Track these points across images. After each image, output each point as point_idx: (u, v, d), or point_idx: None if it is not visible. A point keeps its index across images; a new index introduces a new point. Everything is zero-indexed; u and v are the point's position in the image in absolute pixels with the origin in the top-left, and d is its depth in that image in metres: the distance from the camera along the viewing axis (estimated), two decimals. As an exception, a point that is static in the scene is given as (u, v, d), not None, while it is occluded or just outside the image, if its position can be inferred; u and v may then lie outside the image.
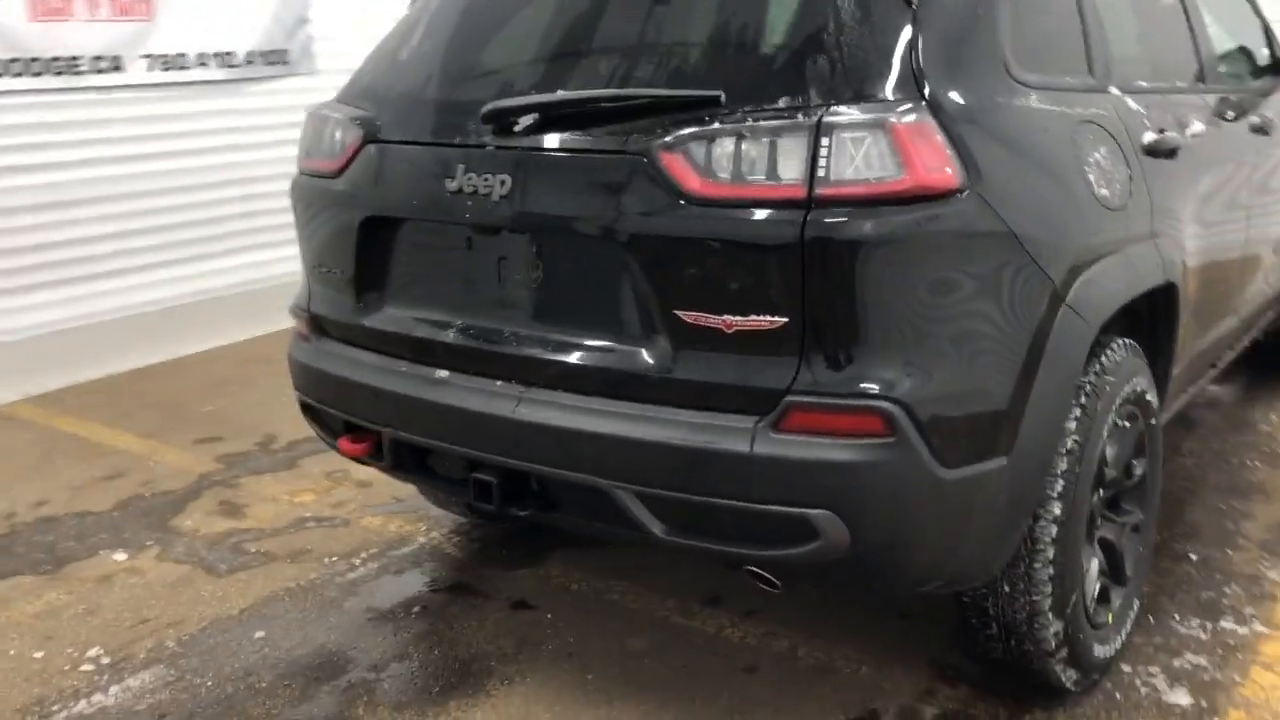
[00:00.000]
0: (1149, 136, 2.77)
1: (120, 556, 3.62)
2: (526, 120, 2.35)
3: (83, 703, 2.82)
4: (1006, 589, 2.44)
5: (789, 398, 2.11)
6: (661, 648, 2.98)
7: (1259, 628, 2.99)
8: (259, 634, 3.12)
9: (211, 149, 5.99)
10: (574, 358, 2.36)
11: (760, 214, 2.08)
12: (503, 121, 2.38)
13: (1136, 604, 2.87)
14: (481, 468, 2.49)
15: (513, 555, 3.54)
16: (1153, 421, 2.80)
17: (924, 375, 2.09)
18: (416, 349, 2.61)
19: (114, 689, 2.87)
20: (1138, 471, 2.79)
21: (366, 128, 2.66)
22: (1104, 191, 2.49)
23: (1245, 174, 3.57)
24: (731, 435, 2.14)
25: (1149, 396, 2.73)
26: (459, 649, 3.01)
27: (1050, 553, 2.39)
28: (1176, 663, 2.83)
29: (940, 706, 2.68)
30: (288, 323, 3.05)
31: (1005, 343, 2.19)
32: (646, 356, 2.25)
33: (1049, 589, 2.42)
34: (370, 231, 2.66)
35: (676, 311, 2.18)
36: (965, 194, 2.09)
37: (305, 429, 3.11)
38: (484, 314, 2.52)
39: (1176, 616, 3.05)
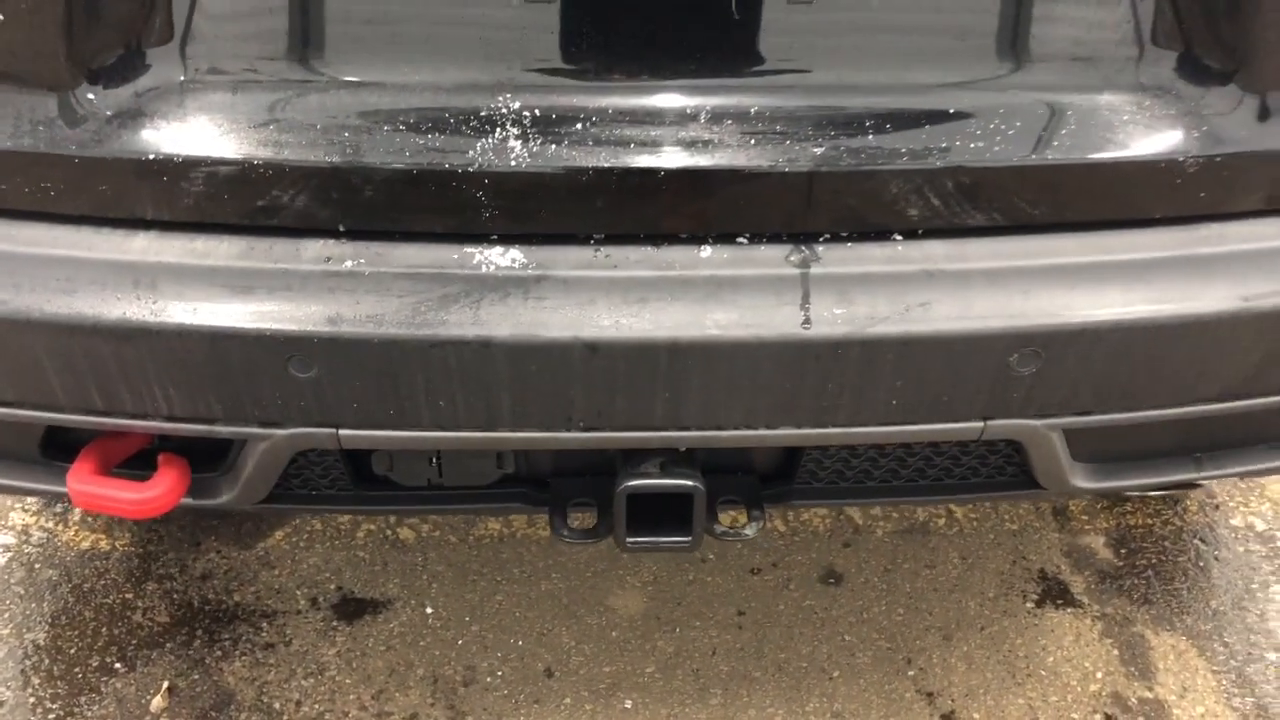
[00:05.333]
0: None
1: None
2: None
3: None
4: None
5: None
6: (672, 600, 2.02)
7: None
8: None
9: None
10: (938, 156, 1.07)
11: None
12: None
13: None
14: (646, 458, 1.24)
15: (228, 534, 2.10)
16: None
17: None
18: (357, 202, 1.06)
19: None
20: None
21: None
22: None
23: None
24: None
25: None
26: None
27: None
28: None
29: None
30: None
31: None
32: (1175, 113, 1.10)
33: None
34: None
35: None
36: None
37: None
38: (615, 70, 1.08)
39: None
